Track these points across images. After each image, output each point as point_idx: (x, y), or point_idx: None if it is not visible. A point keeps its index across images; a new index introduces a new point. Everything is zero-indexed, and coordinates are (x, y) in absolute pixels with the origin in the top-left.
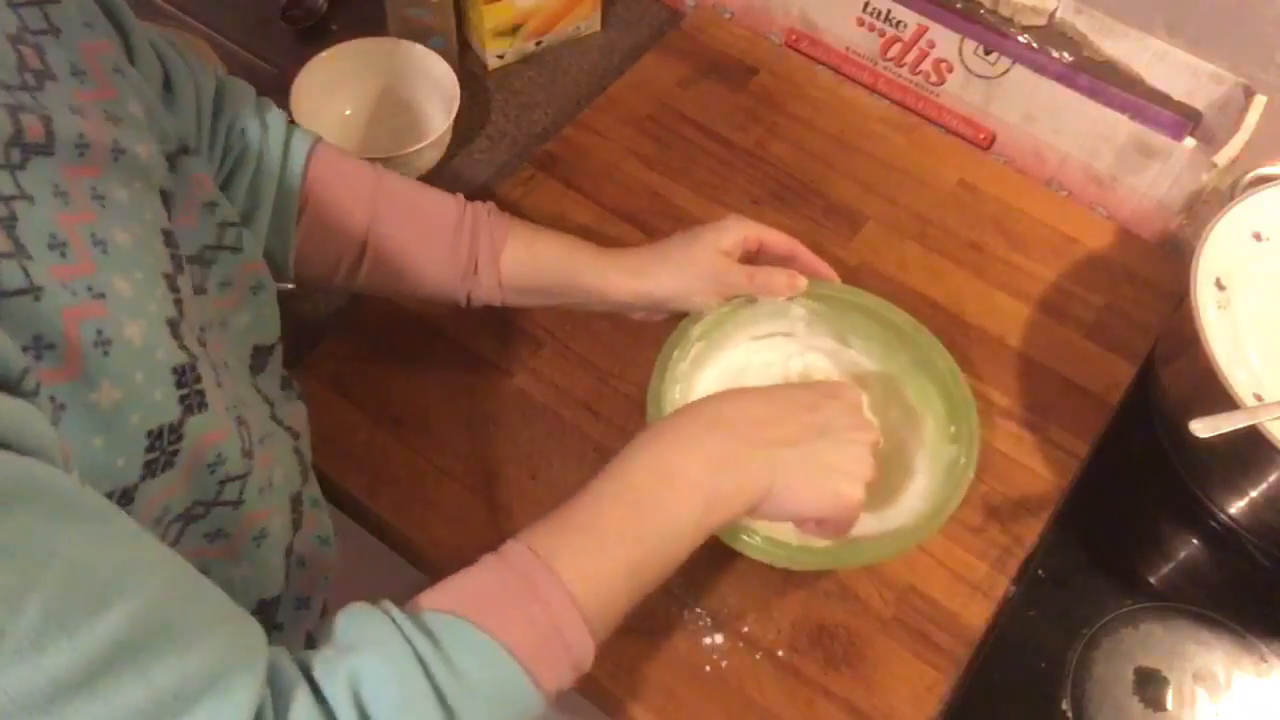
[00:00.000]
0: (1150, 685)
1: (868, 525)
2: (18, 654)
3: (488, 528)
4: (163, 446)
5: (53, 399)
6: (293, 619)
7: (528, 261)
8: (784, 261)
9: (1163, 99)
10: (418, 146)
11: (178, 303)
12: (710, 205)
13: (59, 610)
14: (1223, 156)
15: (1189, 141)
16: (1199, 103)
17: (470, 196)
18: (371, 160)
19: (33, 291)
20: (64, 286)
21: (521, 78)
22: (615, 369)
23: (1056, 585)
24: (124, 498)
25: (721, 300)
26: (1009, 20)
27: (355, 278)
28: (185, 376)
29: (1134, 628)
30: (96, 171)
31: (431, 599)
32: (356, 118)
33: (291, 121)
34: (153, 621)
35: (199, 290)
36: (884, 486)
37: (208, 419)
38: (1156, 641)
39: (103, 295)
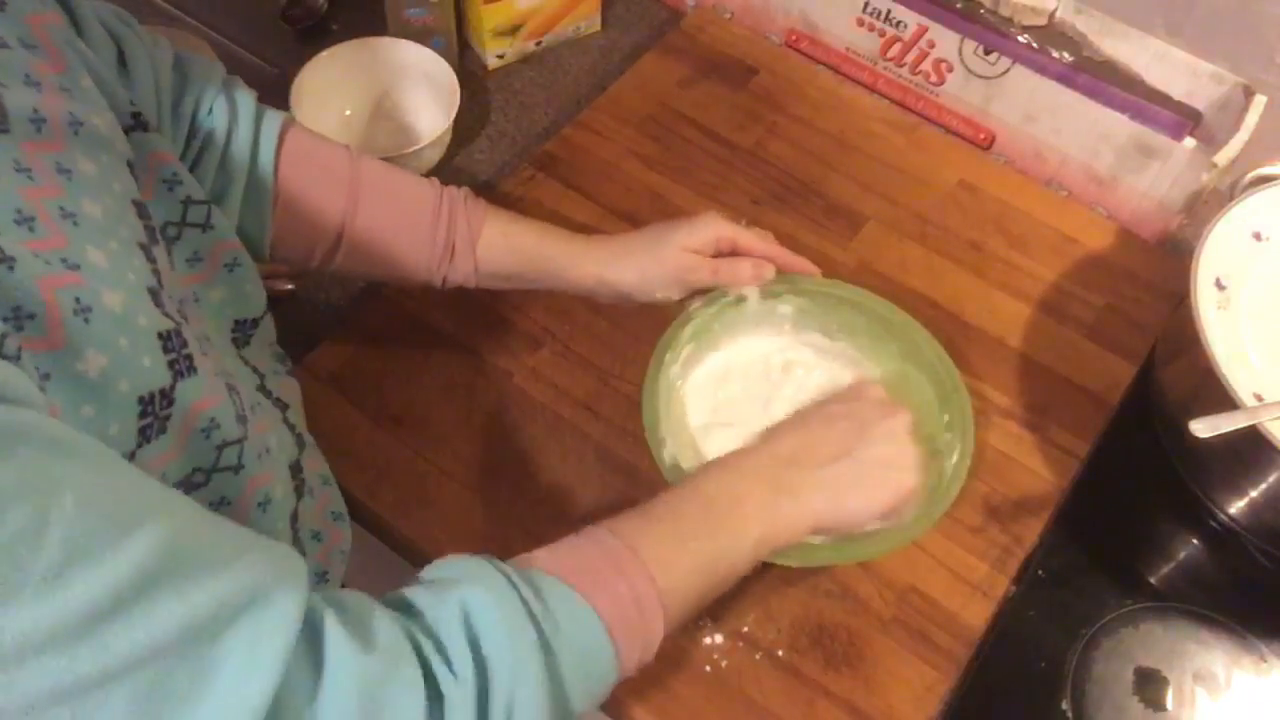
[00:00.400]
0: (1150, 685)
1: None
2: (43, 588)
3: (487, 527)
4: (155, 412)
5: (37, 369)
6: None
7: (503, 247)
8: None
9: (1163, 99)
10: (418, 146)
11: (155, 273)
12: (710, 205)
13: (80, 540)
14: (1223, 156)
15: (1189, 141)
16: (1199, 103)
17: None
18: None
19: (5, 261)
20: (36, 257)
21: (521, 78)
22: (615, 369)
23: (1056, 585)
24: None
25: (685, 294)
26: (1009, 20)
27: (332, 260)
28: (171, 342)
29: (1134, 628)
30: (58, 146)
31: (530, 560)
32: (356, 118)
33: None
34: (180, 547)
35: None
36: None
37: (197, 384)
38: (1156, 641)
39: (77, 266)
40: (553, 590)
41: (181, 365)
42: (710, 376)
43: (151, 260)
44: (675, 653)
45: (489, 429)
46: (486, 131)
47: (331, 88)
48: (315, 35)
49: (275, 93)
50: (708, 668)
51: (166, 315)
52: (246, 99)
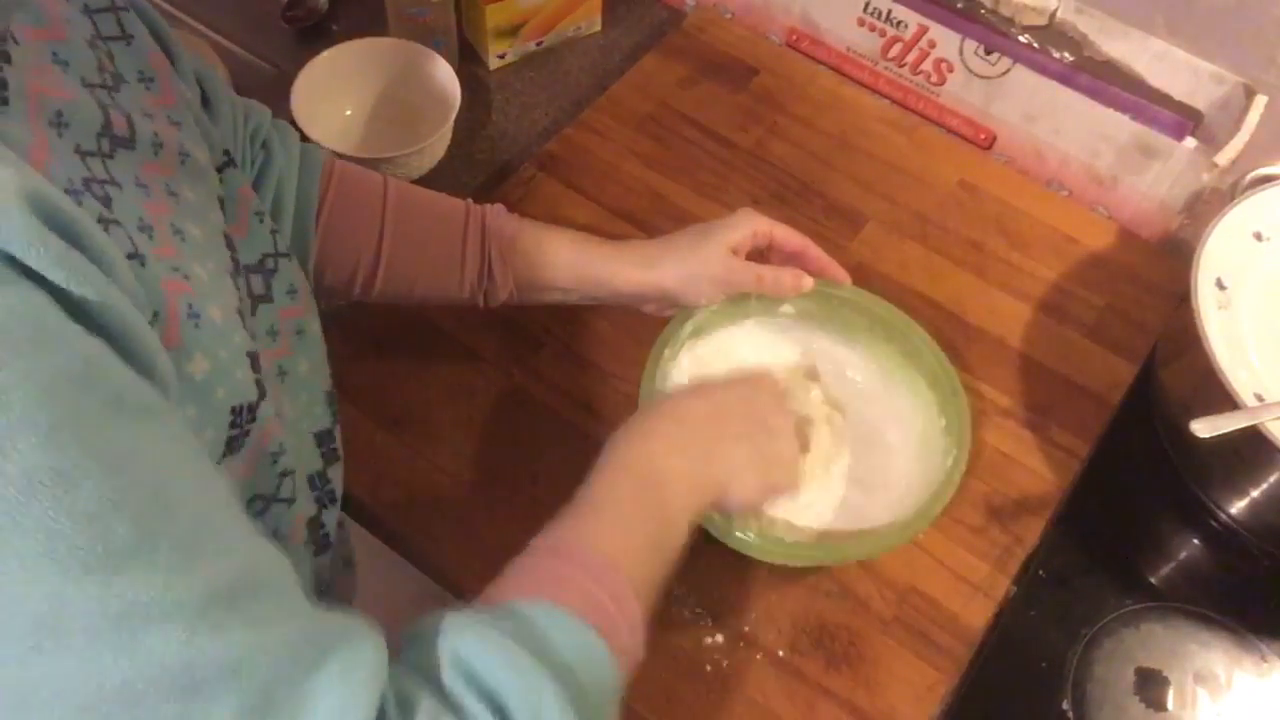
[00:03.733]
0: (1151, 685)
1: (864, 521)
2: (174, 557)
3: (488, 528)
4: (242, 424)
5: None
6: None
7: (538, 259)
8: (794, 258)
9: (1163, 99)
10: (418, 146)
11: (240, 299)
12: (710, 205)
13: (204, 526)
14: (1223, 156)
15: (1190, 141)
16: (1199, 103)
17: (470, 197)
18: (371, 160)
19: (138, 258)
20: (159, 261)
21: (522, 78)
22: (615, 369)
23: (1057, 585)
24: None
25: (727, 298)
26: (1009, 20)
27: (372, 288)
28: (257, 362)
29: (1134, 628)
30: (170, 171)
31: (487, 595)
32: (356, 118)
33: (304, 139)
34: (276, 572)
35: (264, 298)
36: (871, 480)
37: (270, 406)
38: (1157, 641)
39: (187, 277)
40: (524, 607)
41: (263, 386)
42: (709, 374)
43: (238, 289)
44: (675, 653)
45: (489, 429)
46: (486, 131)
47: (331, 88)
48: (315, 35)
49: (275, 93)
50: (708, 668)
51: (253, 337)
52: (293, 137)
